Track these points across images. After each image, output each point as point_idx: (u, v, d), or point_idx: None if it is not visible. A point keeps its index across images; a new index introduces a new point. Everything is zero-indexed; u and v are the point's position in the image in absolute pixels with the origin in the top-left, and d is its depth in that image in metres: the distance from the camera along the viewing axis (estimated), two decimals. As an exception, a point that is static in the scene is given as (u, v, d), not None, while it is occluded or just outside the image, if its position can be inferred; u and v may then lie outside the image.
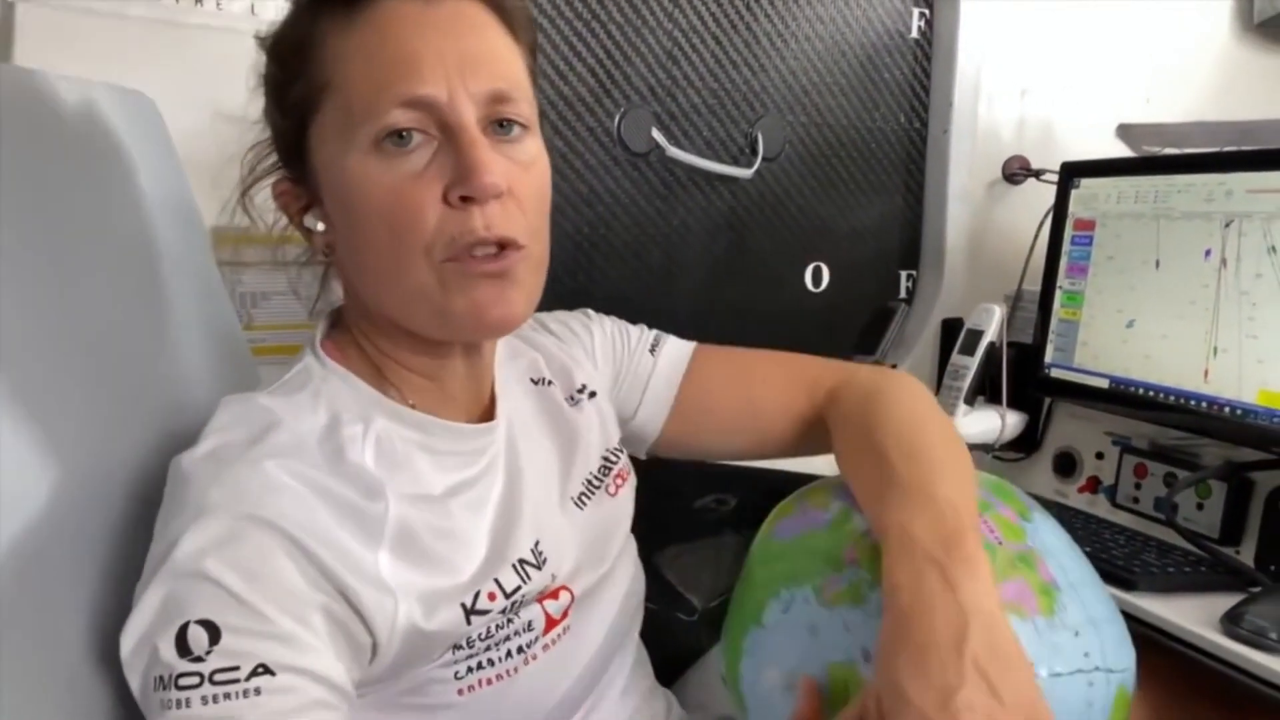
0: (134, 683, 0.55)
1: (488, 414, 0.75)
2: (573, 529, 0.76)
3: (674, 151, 1.31)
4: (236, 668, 0.54)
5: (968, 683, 0.54)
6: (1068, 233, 1.27)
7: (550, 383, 0.83)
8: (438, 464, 0.68)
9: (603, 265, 1.31)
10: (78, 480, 0.61)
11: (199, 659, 0.53)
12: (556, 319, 0.90)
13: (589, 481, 0.81)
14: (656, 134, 1.30)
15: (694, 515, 1.38)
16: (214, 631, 0.54)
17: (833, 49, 1.43)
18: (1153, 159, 1.29)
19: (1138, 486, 1.19)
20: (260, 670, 0.54)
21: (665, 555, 1.36)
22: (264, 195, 0.72)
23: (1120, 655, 0.67)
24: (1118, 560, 1.03)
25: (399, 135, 0.61)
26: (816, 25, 1.41)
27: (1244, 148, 1.16)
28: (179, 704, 0.53)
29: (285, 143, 0.69)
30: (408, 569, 0.62)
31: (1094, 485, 1.26)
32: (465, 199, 0.61)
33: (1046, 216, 1.32)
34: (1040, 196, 1.39)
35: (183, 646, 0.53)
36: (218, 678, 0.53)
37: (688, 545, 1.39)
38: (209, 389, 0.77)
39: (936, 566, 0.59)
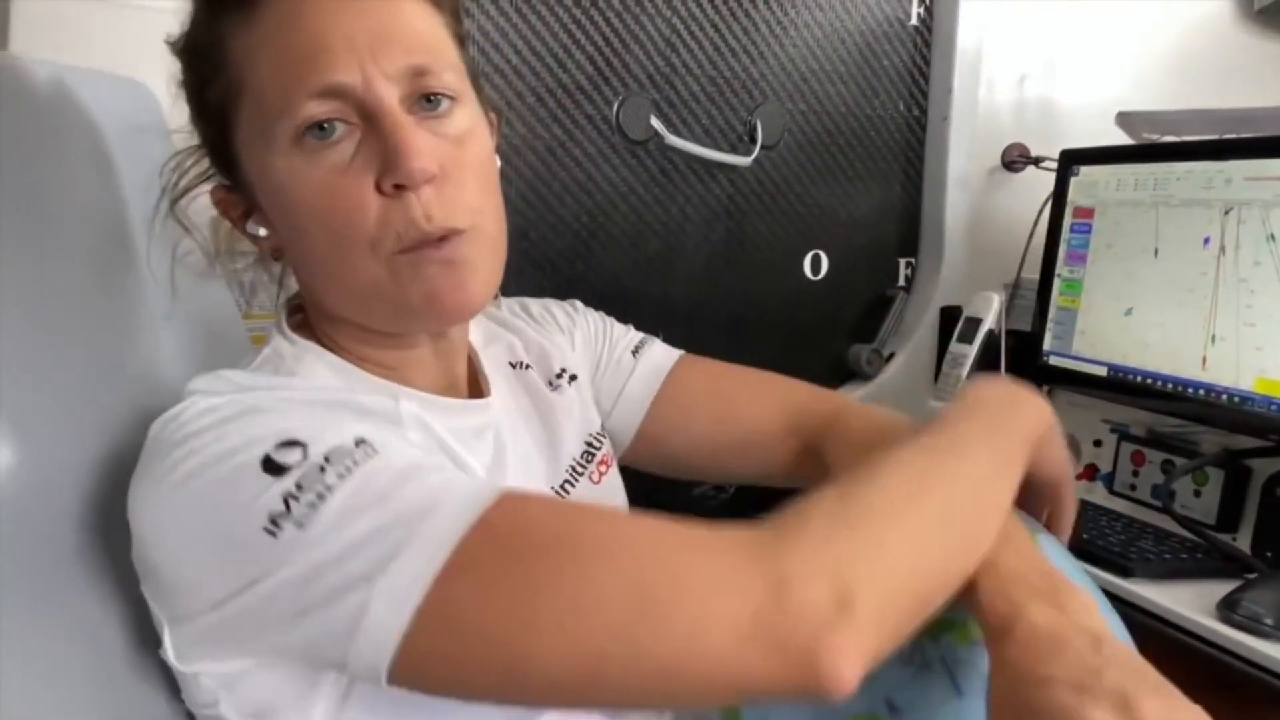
0: (264, 570, 0.50)
1: (471, 396, 0.73)
2: None
3: (672, 139, 1.31)
4: (340, 444, 0.51)
5: (1129, 679, 0.49)
6: (1067, 220, 1.27)
7: (528, 366, 0.81)
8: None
9: (600, 253, 1.31)
10: (59, 463, 0.61)
11: (302, 460, 0.50)
12: (540, 304, 0.88)
13: (572, 468, 0.79)
14: (655, 122, 1.30)
15: (692, 503, 1.38)
16: (296, 440, 0.51)
17: (831, 36, 1.42)
18: (1152, 147, 1.29)
19: (1135, 474, 1.19)
20: (360, 441, 0.52)
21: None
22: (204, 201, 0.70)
23: None
24: (1115, 547, 1.03)
25: (319, 128, 0.58)
26: (815, 12, 1.40)
27: (1243, 135, 1.16)
28: (320, 499, 0.49)
29: (213, 149, 0.66)
30: (435, 451, 0.63)
31: (1092, 472, 1.27)
32: (398, 187, 0.58)
33: (1045, 204, 1.32)
34: (1039, 184, 1.39)
35: (276, 468, 0.50)
36: (331, 458, 0.51)
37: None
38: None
39: (1042, 596, 0.55)
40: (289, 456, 0.51)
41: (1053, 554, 0.69)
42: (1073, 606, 0.55)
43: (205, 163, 0.69)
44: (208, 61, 0.62)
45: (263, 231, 0.65)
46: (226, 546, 0.51)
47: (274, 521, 0.49)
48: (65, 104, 0.73)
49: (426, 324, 0.66)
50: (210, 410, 0.54)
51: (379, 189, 0.58)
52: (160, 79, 0.86)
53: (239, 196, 0.66)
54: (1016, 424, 0.66)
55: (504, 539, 0.50)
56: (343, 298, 0.63)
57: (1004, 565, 0.58)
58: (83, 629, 0.60)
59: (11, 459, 0.58)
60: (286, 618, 0.50)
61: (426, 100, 0.61)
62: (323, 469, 0.50)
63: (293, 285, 0.73)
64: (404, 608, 0.48)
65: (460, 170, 0.61)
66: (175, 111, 0.67)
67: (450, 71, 0.62)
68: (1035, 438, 0.67)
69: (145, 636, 0.60)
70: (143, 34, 0.94)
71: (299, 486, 0.50)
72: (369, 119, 0.58)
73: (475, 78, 0.67)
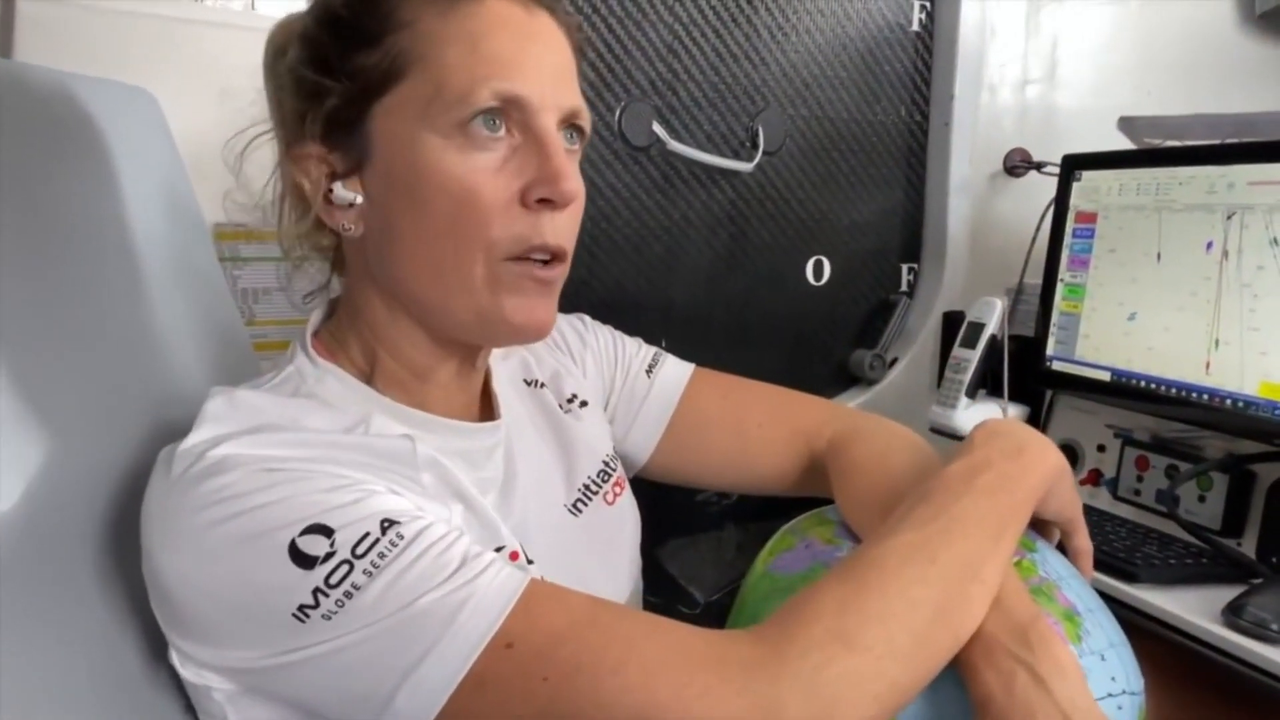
0: (289, 647, 0.52)
1: (483, 417, 0.74)
2: (564, 538, 0.74)
3: (675, 145, 1.31)
4: (366, 534, 0.52)
5: None
6: (1069, 225, 1.27)
7: (543, 385, 0.82)
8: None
9: (604, 259, 1.31)
10: (69, 470, 0.61)
11: (330, 554, 0.51)
12: None
13: (586, 487, 0.79)
14: (657, 128, 1.30)
15: (696, 509, 1.38)
16: (321, 527, 0.52)
17: (833, 42, 1.42)
18: (1154, 151, 1.29)
19: (1139, 479, 1.19)
20: (387, 524, 0.53)
21: (667, 549, 1.36)
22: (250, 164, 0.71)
23: (1137, 677, 0.66)
24: (1119, 553, 1.03)
25: (492, 121, 0.61)
26: (817, 18, 1.41)
27: (1246, 140, 1.16)
28: (347, 597, 0.51)
29: (333, 106, 0.64)
30: (448, 496, 0.63)
31: (1096, 478, 1.26)
32: (542, 201, 0.62)
33: (1048, 209, 1.32)
34: (1042, 189, 1.39)
35: (304, 559, 0.51)
36: (359, 550, 0.52)
37: (690, 539, 1.39)
38: (207, 382, 0.77)
39: (1024, 667, 0.57)
40: (315, 546, 0.52)
41: (1050, 562, 0.69)
42: (1053, 678, 0.57)
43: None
44: (381, 25, 0.63)
45: (358, 199, 0.65)
46: (255, 619, 0.53)
47: (302, 610, 0.51)
48: (69, 111, 0.73)
49: (500, 336, 0.68)
50: (230, 466, 0.55)
51: (521, 200, 0.62)
52: (163, 86, 0.87)
53: (339, 157, 0.65)
54: (1022, 477, 0.67)
55: (523, 659, 0.52)
56: (428, 285, 0.64)
57: (986, 631, 0.59)
58: (99, 637, 0.60)
59: (33, 469, 0.58)
60: (304, 685, 0.53)
61: (569, 136, 0.66)
62: (350, 565, 0.51)
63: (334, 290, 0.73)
64: (426, 712, 0.51)
65: (577, 203, 0.65)
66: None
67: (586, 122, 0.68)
68: (1042, 489, 0.68)
69: (160, 648, 0.60)
70: (146, 41, 0.94)
71: (327, 583, 0.51)
72: (530, 135, 0.62)
73: None
